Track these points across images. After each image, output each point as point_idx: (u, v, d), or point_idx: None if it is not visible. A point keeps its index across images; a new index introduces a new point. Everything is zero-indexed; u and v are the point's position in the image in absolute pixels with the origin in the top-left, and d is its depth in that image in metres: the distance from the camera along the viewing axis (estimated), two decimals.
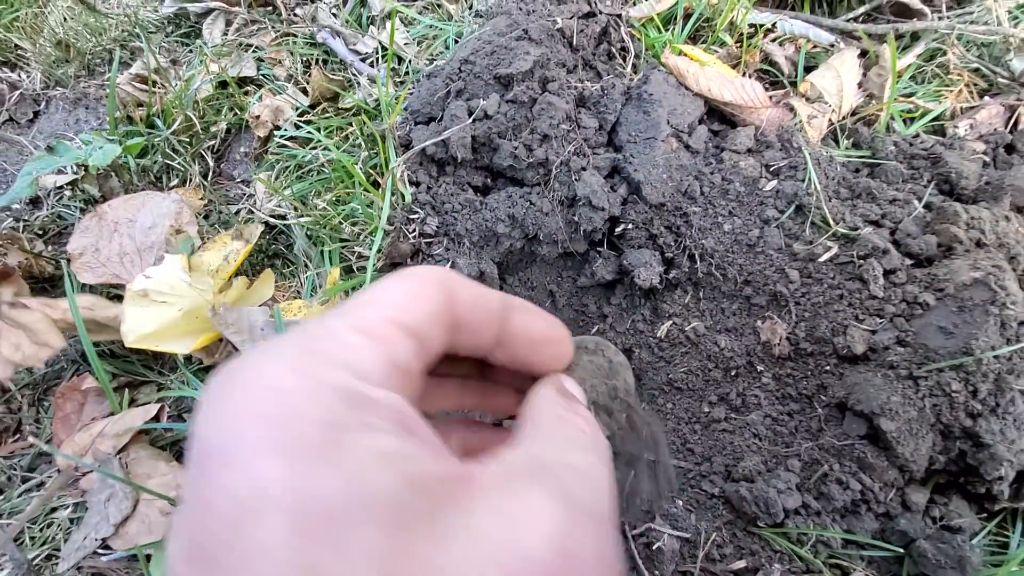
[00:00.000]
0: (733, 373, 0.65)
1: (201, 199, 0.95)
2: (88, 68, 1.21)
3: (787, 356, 0.61)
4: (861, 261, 0.58)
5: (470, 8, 1.08)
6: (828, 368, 0.59)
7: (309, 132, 0.90)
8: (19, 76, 1.27)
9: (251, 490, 0.16)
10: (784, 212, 0.65)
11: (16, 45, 1.25)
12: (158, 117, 0.98)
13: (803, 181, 0.65)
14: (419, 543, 0.16)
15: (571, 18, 0.83)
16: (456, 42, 0.97)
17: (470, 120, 0.71)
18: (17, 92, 1.22)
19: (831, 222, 0.61)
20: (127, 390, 0.73)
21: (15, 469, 0.74)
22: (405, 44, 1.03)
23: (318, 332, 0.21)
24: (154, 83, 1.04)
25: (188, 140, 0.97)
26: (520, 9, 0.84)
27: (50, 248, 0.94)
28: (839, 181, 0.66)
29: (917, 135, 0.71)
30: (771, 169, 0.67)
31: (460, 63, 0.77)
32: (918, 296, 0.55)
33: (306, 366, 0.19)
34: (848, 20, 0.84)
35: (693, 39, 0.87)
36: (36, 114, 1.22)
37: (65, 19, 1.27)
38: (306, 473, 0.16)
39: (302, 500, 0.16)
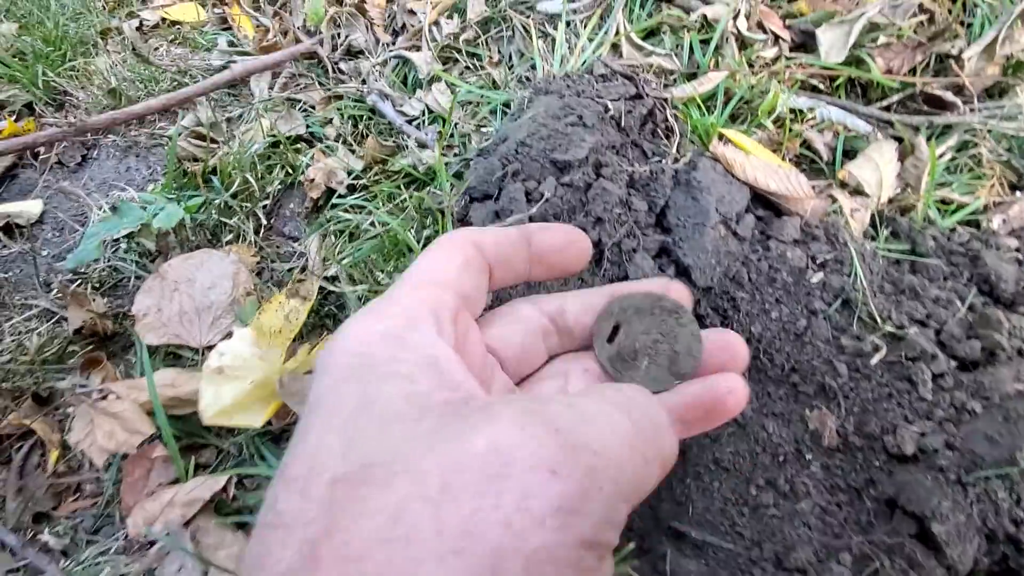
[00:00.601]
0: (781, 459, 0.68)
1: (254, 255, 0.98)
2: (139, 117, 1.25)
3: (836, 448, 0.64)
4: (910, 363, 0.61)
5: (510, 69, 1.12)
6: (878, 464, 0.62)
7: (363, 200, 0.93)
8: (68, 118, 1.31)
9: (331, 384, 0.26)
10: (831, 305, 0.68)
11: (66, 91, 1.29)
12: (214, 174, 1.02)
13: (849, 276, 0.68)
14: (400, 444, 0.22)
15: (618, 99, 0.87)
16: (504, 113, 1.01)
17: (529, 208, 0.74)
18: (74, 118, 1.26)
19: (878, 319, 0.64)
20: (192, 455, 0.76)
21: (79, 532, 0.76)
22: (449, 106, 1.07)
23: (383, 298, 0.29)
24: (211, 139, 1.08)
25: (244, 199, 1.01)
26: (569, 89, 0.89)
27: (106, 300, 0.97)
28: (883, 276, 0.70)
29: (954, 229, 0.75)
30: (817, 261, 0.71)
31: (517, 144, 0.81)
32: (966, 403, 0.58)
33: (370, 321, 0.27)
34: (882, 108, 0.88)
35: (732, 118, 0.91)
36: (84, 158, 1.26)
37: (115, 65, 1.31)
38: (355, 382, 0.25)
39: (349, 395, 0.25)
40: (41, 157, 1.24)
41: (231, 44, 1.34)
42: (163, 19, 1.47)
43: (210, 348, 0.86)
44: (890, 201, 0.79)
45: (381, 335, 0.26)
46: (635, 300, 0.37)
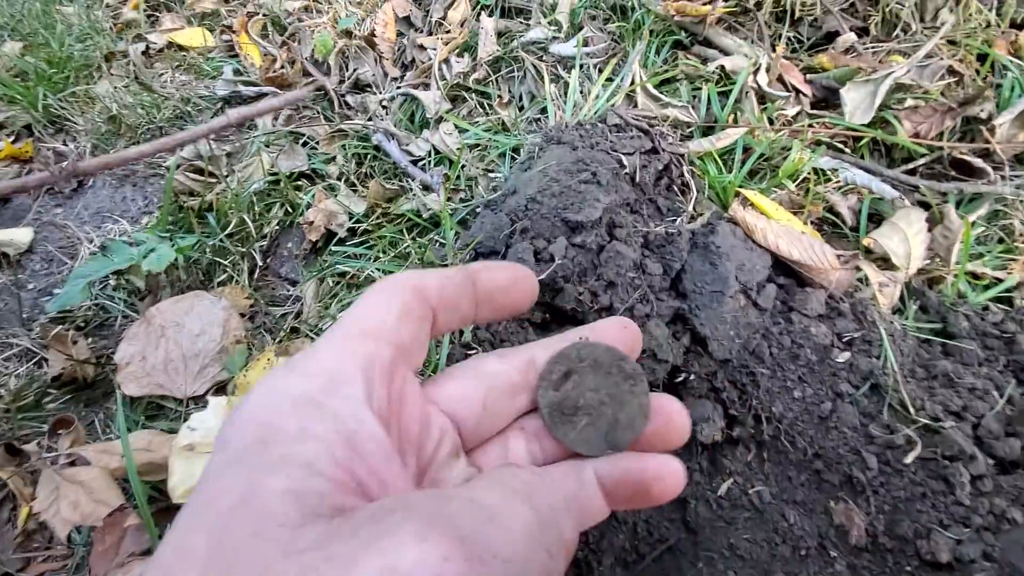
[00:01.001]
0: (803, 552, 0.63)
1: (247, 298, 0.94)
2: (138, 144, 1.22)
3: (864, 547, 0.59)
4: (946, 462, 0.57)
5: (521, 111, 1.09)
6: (909, 569, 0.57)
7: (364, 247, 0.90)
8: (66, 145, 1.28)
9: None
10: (859, 388, 0.64)
11: (67, 118, 1.27)
12: (209, 211, 0.98)
13: (878, 358, 0.64)
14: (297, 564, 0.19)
15: (633, 153, 0.84)
16: (513, 158, 0.98)
17: (539, 270, 0.70)
18: (65, 162, 1.23)
19: (911, 408, 0.60)
20: (167, 522, 0.71)
21: None
22: (458, 149, 1.03)
23: (306, 352, 0.26)
24: (209, 173, 1.04)
25: (240, 240, 0.97)
26: (583, 140, 0.85)
27: (89, 342, 0.93)
28: (914, 358, 0.65)
29: (986, 307, 0.71)
30: (844, 339, 0.67)
31: (527, 200, 0.77)
32: (1006, 511, 0.54)
33: (284, 382, 0.24)
34: (907, 171, 0.85)
35: (750, 175, 0.88)
36: (80, 184, 1.22)
37: (116, 89, 1.28)
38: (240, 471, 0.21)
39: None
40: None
41: (237, 72, 1.32)
42: (170, 43, 1.45)
43: (195, 399, 0.82)
44: (919, 272, 0.75)
45: (293, 401, 0.23)
46: (596, 352, 0.34)
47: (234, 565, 0.19)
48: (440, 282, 0.29)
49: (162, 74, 1.35)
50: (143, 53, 1.42)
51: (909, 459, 0.57)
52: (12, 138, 1.32)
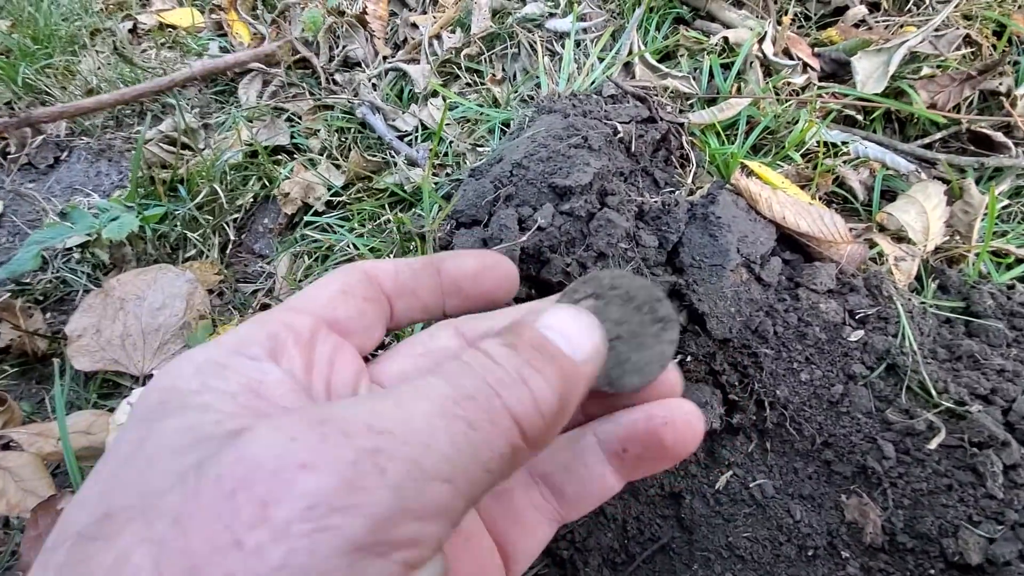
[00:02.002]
0: (810, 553, 0.56)
1: (217, 274, 0.89)
2: (116, 119, 1.18)
3: (881, 547, 0.53)
4: (975, 450, 0.50)
5: (515, 92, 1.04)
6: (933, 572, 0.50)
7: (341, 219, 0.84)
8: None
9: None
10: (873, 370, 0.57)
11: (46, 91, 1.22)
12: (182, 184, 0.93)
13: (895, 336, 0.58)
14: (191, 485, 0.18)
15: (629, 122, 0.78)
16: (503, 132, 0.93)
17: (522, 236, 0.64)
18: (40, 137, 1.18)
19: (932, 391, 0.53)
20: None
21: None
22: (447, 124, 0.98)
23: (227, 330, 0.26)
24: (184, 145, 0.99)
25: (211, 212, 0.91)
26: (575, 108, 0.80)
27: (48, 317, 0.87)
28: (934, 338, 0.59)
29: (1012, 286, 0.64)
30: (856, 317, 0.60)
31: (512, 166, 0.72)
32: None
33: (196, 352, 0.24)
34: (923, 146, 0.79)
35: (755, 149, 0.82)
36: (57, 159, 1.18)
37: (99, 67, 1.24)
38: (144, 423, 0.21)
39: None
40: (11, 157, 1.16)
41: (223, 50, 1.28)
42: (161, 24, 1.42)
43: (149, 378, 0.75)
44: (935, 251, 0.69)
45: (197, 367, 0.23)
46: (632, 284, 0.30)
47: (114, 502, 0.18)
48: (395, 268, 0.29)
49: (146, 51, 1.31)
50: (130, 31, 1.38)
51: (933, 445, 0.50)
52: None
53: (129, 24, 1.40)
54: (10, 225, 1.05)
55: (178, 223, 0.90)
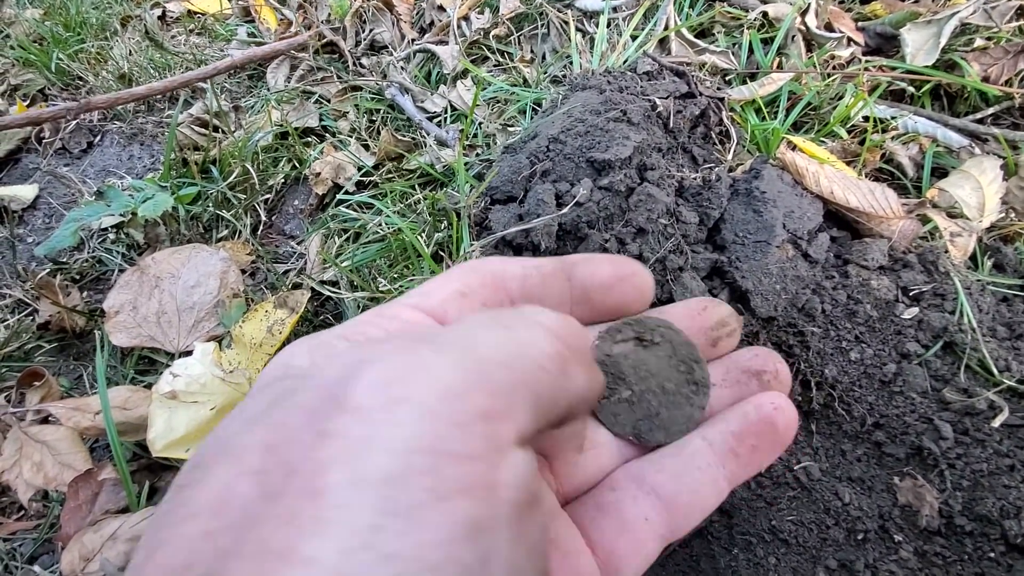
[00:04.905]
0: (860, 537, 0.55)
1: (249, 254, 0.89)
2: (148, 104, 1.19)
3: (937, 530, 0.51)
4: None
5: (545, 72, 1.03)
6: (993, 555, 0.48)
7: (372, 197, 0.84)
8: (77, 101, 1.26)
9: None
10: (929, 348, 0.55)
11: (79, 76, 1.24)
12: (214, 165, 0.93)
13: (953, 313, 0.55)
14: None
15: (667, 97, 0.76)
16: (535, 111, 0.91)
17: (559, 211, 0.63)
18: (74, 122, 1.20)
19: (994, 369, 0.51)
20: (146, 480, 0.65)
21: (16, 557, 0.65)
22: (476, 105, 0.97)
23: (356, 320, 0.25)
24: (215, 128, 1.00)
25: (243, 192, 0.92)
26: (611, 84, 0.78)
27: (85, 295, 0.88)
28: (993, 316, 0.57)
29: None
30: (911, 294, 0.58)
31: (549, 141, 0.70)
32: None
33: (315, 335, 0.24)
34: (975, 121, 0.76)
35: (796, 127, 0.80)
36: (90, 145, 1.19)
37: (130, 52, 1.26)
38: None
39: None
40: (46, 142, 1.18)
41: (251, 36, 1.28)
42: (189, 12, 1.43)
43: (187, 354, 0.76)
44: (990, 228, 0.66)
45: (309, 347, 0.23)
46: (676, 338, 0.30)
47: (210, 444, 0.19)
48: (524, 271, 0.27)
49: (175, 37, 1.32)
50: (159, 19, 1.39)
51: (996, 423, 0.48)
52: (27, 101, 1.30)
53: (158, 11, 1.41)
54: (46, 207, 1.07)
55: (210, 203, 0.90)
